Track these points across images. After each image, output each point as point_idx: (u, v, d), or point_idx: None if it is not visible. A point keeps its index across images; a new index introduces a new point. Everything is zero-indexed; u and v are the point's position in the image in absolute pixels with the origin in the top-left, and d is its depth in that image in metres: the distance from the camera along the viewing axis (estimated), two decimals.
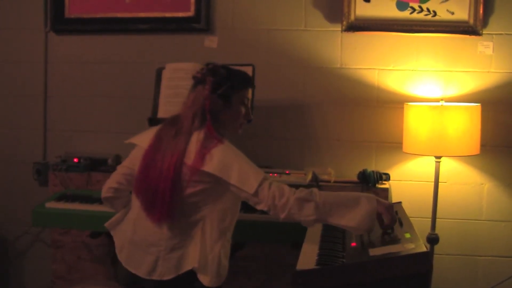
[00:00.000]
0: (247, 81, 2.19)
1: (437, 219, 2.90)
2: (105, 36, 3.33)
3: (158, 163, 2.01)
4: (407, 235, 1.91)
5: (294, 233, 2.44)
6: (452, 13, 2.96)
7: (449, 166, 3.03)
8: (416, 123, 2.79)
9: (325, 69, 3.14)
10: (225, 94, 2.08)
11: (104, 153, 3.25)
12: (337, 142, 3.16)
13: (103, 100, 3.37)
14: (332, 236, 2.11)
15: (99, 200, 2.74)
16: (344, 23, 3.05)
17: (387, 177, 2.94)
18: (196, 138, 2.01)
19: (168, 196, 1.97)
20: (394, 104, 3.08)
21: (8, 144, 3.49)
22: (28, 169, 3.42)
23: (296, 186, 2.01)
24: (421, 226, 2.87)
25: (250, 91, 2.20)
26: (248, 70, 2.73)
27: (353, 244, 1.98)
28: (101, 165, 3.18)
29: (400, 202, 2.40)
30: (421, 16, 2.99)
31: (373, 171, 2.90)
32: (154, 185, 2.00)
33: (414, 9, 3.00)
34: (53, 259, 3.21)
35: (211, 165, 1.95)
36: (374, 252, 1.82)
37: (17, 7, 3.41)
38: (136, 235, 2.10)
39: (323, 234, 2.15)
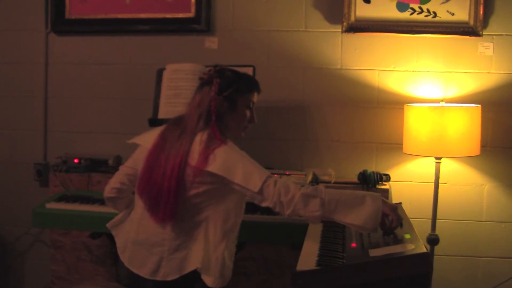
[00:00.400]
0: (253, 85, 2.20)
1: (437, 220, 2.90)
2: (106, 37, 3.34)
3: (162, 164, 2.02)
4: (407, 236, 1.91)
5: (294, 234, 2.45)
6: (452, 14, 2.97)
7: (449, 167, 3.03)
8: (417, 124, 2.79)
9: (325, 70, 3.14)
10: (231, 96, 2.09)
11: (104, 154, 3.25)
12: (337, 143, 3.16)
13: (103, 101, 3.37)
14: (333, 237, 2.11)
15: (99, 201, 2.75)
16: (344, 24, 3.06)
17: (387, 178, 2.94)
18: (200, 139, 2.01)
19: (172, 196, 1.97)
20: (395, 105, 3.08)
21: (9, 144, 3.49)
22: (29, 169, 3.42)
23: None
24: (421, 227, 2.87)
25: (256, 95, 2.21)
26: (249, 71, 2.74)
27: (353, 244, 1.98)
28: (101, 166, 3.19)
29: (400, 203, 2.40)
30: (421, 17, 2.99)
31: (373, 172, 2.90)
32: (158, 185, 2.00)
33: (414, 10, 3.00)
34: (53, 259, 3.21)
35: (214, 165, 1.95)
36: (374, 253, 1.82)
37: (18, 8, 3.41)
38: (139, 235, 2.10)
39: (323, 235, 2.15)
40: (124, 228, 2.21)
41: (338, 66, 3.13)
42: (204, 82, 2.11)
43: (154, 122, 2.76)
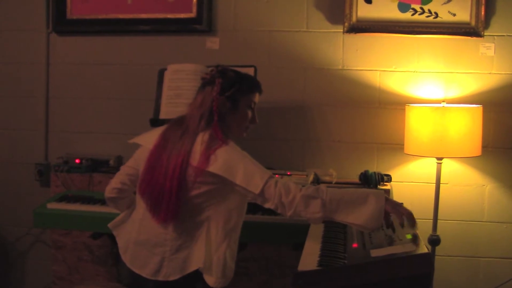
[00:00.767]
0: (255, 86, 2.21)
1: (438, 221, 2.90)
2: (107, 37, 3.34)
3: (163, 164, 2.01)
4: (409, 236, 1.91)
5: (295, 234, 2.45)
6: (454, 15, 2.96)
7: (450, 167, 3.03)
8: (418, 125, 2.79)
9: (326, 71, 3.14)
10: (233, 96, 2.09)
11: (105, 154, 3.25)
12: (338, 143, 3.16)
13: (105, 101, 3.37)
14: (334, 237, 2.10)
15: (100, 201, 2.75)
16: (346, 24, 3.06)
17: (389, 179, 2.94)
18: (201, 139, 2.01)
19: (174, 197, 1.97)
20: (396, 105, 3.08)
21: (10, 145, 3.50)
22: (30, 170, 3.42)
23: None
24: (423, 227, 2.86)
25: (257, 95, 2.21)
26: (250, 72, 2.74)
27: (355, 245, 1.97)
28: (102, 166, 3.19)
29: (401, 203, 2.40)
30: (422, 17, 2.99)
31: (374, 172, 2.90)
32: (160, 185, 2.00)
33: (415, 11, 3.00)
34: (54, 260, 3.21)
35: (216, 166, 1.95)
36: (376, 253, 1.81)
37: (19, 8, 3.41)
38: (141, 236, 2.10)
39: (324, 235, 2.15)
40: (125, 228, 2.21)
41: (340, 67, 3.13)
42: (206, 82, 2.11)
43: (156, 122, 2.76)
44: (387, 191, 2.86)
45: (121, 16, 3.29)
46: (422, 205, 3.03)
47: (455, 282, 3.11)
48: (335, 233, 2.15)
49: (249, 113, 2.17)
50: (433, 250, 2.89)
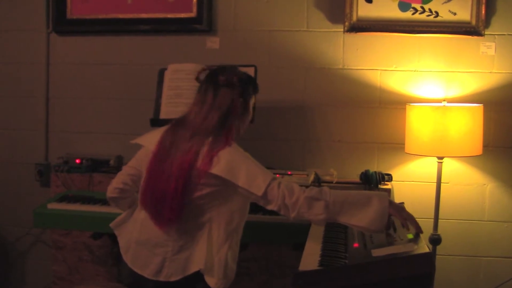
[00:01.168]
0: (257, 86, 2.23)
1: (439, 220, 2.90)
2: (107, 37, 3.33)
3: (166, 170, 2.00)
4: (410, 236, 1.91)
5: (296, 235, 2.44)
6: (454, 14, 2.96)
7: (451, 166, 3.03)
8: (418, 124, 2.78)
9: (327, 70, 3.14)
10: (246, 98, 2.12)
11: (106, 154, 3.25)
12: (339, 143, 3.16)
13: (105, 101, 3.37)
14: (335, 237, 2.10)
15: (101, 201, 2.75)
16: (346, 24, 3.05)
17: (389, 178, 2.93)
18: (207, 141, 2.00)
19: (179, 196, 1.96)
20: (396, 105, 3.08)
21: (10, 145, 3.49)
22: (30, 170, 3.42)
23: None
24: (424, 226, 2.83)
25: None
26: (250, 71, 2.74)
27: (356, 245, 1.97)
28: (103, 166, 3.19)
29: (402, 203, 2.39)
30: (423, 16, 2.99)
31: (375, 172, 2.90)
32: (161, 191, 1.99)
33: (416, 10, 3.00)
34: (54, 260, 3.21)
35: (218, 168, 1.94)
36: (377, 253, 1.81)
37: (19, 8, 3.41)
38: (142, 236, 2.10)
39: (325, 235, 2.14)
40: (127, 228, 2.21)
41: (340, 66, 3.13)
42: (224, 84, 2.07)
43: (156, 122, 2.76)
44: (388, 191, 2.86)
45: (121, 16, 3.29)
46: (423, 205, 3.03)
47: (456, 281, 3.11)
48: (336, 233, 2.15)
49: (251, 113, 2.18)
50: (434, 250, 2.88)
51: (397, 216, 1.92)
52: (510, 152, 3.01)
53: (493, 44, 2.99)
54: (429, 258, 1.69)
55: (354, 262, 1.81)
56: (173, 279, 2.03)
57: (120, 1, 3.27)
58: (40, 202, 2.95)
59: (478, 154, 2.81)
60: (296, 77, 3.17)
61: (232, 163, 1.96)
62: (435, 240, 2.87)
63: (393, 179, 2.97)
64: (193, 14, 3.21)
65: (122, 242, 2.19)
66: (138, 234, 2.12)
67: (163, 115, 2.79)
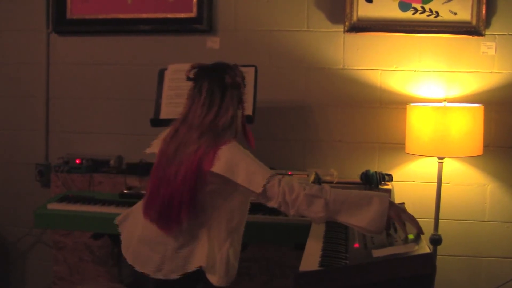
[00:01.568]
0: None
1: (440, 220, 2.89)
2: (107, 37, 3.33)
3: (172, 170, 1.99)
4: (410, 236, 1.91)
5: (297, 235, 2.44)
6: (455, 14, 2.96)
7: (452, 167, 3.03)
8: (419, 124, 2.78)
9: (327, 70, 3.14)
10: (242, 93, 2.12)
11: (106, 154, 3.25)
12: (339, 143, 3.15)
13: (105, 101, 3.36)
14: (335, 237, 2.10)
15: (101, 202, 2.75)
16: (347, 24, 3.05)
17: (390, 178, 2.93)
18: (212, 140, 1.99)
19: (188, 203, 1.96)
20: (397, 105, 3.07)
21: (11, 145, 3.49)
22: (31, 170, 3.42)
23: None
24: (424, 227, 2.82)
25: None
26: (250, 71, 2.74)
27: (356, 245, 1.97)
28: (103, 167, 3.19)
29: (403, 203, 2.39)
30: (423, 16, 2.99)
31: (375, 172, 2.90)
32: (170, 194, 1.98)
33: (416, 10, 2.99)
34: (55, 260, 3.20)
35: (218, 166, 1.94)
36: (377, 253, 1.81)
37: (19, 8, 3.41)
38: (143, 233, 2.10)
39: (326, 235, 2.14)
40: (129, 224, 2.21)
41: (340, 66, 3.13)
42: (230, 85, 2.06)
43: (156, 122, 2.76)
44: (388, 191, 2.86)
45: (121, 16, 3.28)
46: (424, 205, 3.03)
47: (456, 281, 3.10)
48: (336, 233, 2.14)
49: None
50: (435, 250, 2.88)
51: (396, 220, 1.91)
52: (511, 152, 3.01)
53: (493, 44, 2.98)
54: (429, 259, 1.69)
55: (355, 262, 1.81)
56: (173, 276, 2.02)
57: (120, 1, 3.27)
58: (41, 203, 2.94)
59: (479, 154, 2.81)
60: (296, 77, 3.16)
61: (231, 161, 1.96)
62: (436, 241, 2.86)
63: (394, 179, 2.97)
64: (193, 14, 3.21)
65: (124, 238, 2.19)
66: (139, 232, 2.12)
67: (163, 115, 2.79)
